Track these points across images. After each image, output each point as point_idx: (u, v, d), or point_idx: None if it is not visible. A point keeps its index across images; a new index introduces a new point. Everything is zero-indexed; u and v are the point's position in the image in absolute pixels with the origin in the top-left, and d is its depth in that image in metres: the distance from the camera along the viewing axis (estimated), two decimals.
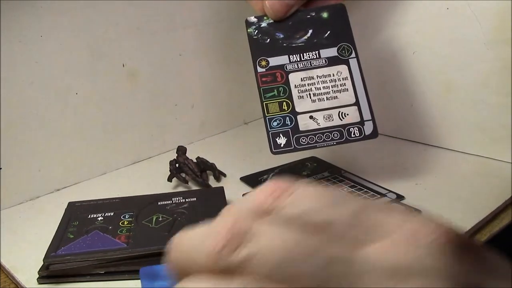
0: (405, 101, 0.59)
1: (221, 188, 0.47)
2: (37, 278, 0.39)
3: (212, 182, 0.54)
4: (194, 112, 0.64)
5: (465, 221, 0.43)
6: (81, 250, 0.39)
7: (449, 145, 0.57)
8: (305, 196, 0.21)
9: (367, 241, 0.19)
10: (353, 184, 0.51)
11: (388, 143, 0.61)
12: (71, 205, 0.46)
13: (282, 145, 0.43)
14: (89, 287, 0.38)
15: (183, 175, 0.53)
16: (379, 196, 0.48)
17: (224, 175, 0.55)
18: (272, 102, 0.43)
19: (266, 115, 0.43)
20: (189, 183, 0.52)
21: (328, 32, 0.45)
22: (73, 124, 0.53)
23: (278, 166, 0.55)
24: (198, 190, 0.51)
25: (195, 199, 0.45)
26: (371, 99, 0.44)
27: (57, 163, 0.53)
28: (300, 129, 0.43)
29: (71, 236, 0.41)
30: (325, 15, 0.45)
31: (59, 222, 0.43)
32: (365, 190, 0.49)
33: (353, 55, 0.44)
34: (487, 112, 0.53)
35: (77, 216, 0.44)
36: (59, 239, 0.40)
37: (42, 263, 0.38)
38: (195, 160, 0.55)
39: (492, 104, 0.52)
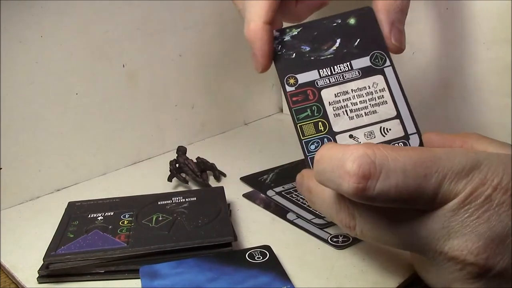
0: None
1: (221, 188, 0.47)
2: (37, 278, 0.39)
3: (212, 182, 0.54)
4: (194, 112, 0.64)
5: None
6: (81, 249, 0.39)
7: None
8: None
9: None
10: None
11: None
12: (71, 205, 0.46)
13: None
14: (89, 286, 0.38)
15: (183, 175, 0.53)
16: None
17: (224, 175, 0.55)
18: (306, 124, 0.40)
19: (302, 138, 0.39)
20: (189, 183, 0.52)
21: (358, 40, 0.41)
22: (73, 124, 0.53)
23: (278, 166, 0.56)
24: (198, 190, 0.51)
25: (195, 198, 0.45)
26: None
27: (57, 163, 0.53)
28: None
29: (71, 236, 0.41)
30: (352, 21, 0.41)
31: (59, 221, 0.43)
32: None
33: (388, 63, 0.41)
34: (487, 112, 0.53)
35: (77, 216, 0.44)
36: (59, 238, 0.40)
37: (42, 262, 0.38)
38: (195, 160, 0.55)
39: (492, 104, 0.52)
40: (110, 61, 0.55)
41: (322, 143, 0.39)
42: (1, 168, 0.49)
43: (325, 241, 0.42)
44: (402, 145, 0.40)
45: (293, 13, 0.46)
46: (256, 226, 0.45)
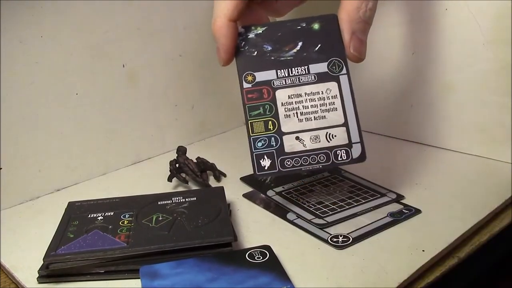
0: (405, 101, 0.59)
1: (221, 188, 0.47)
2: (37, 278, 0.39)
3: (212, 182, 0.54)
4: (194, 112, 0.64)
5: (465, 221, 0.43)
6: (81, 249, 0.39)
7: (449, 145, 0.57)
8: None
9: None
10: (353, 184, 0.51)
11: (388, 143, 0.61)
12: (71, 205, 0.46)
13: (266, 167, 0.41)
14: (89, 286, 0.38)
15: (183, 175, 0.53)
16: (379, 196, 0.48)
17: (224, 175, 0.55)
18: (257, 121, 0.41)
19: (251, 135, 0.41)
20: (189, 183, 0.52)
21: (319, 45, 0.42)
22: (73, 124, 0.53)
23: None
24: (198, 190, 0.51)
25: (195, 198, 0.45)
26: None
27: (57, 163, 0.53)
28: (286, 150, 0.41)
29: (71, 236, 0.41)
30: (316, 26, 0.42)
31: (59, 221, 0.43)
32: (365, 190, 0.49)
33: (344, 71, 0.42)
34: (487, 112, 0.53)
35: (77, 216, 0.44)
36: (59, 238, 0.40)
37: (42, 262, 0.38)
38: (195, 160, 0.55)
39: (492, 104, 0.52)
40: (110, 61, 0.55)
41: (270, 141, 0.41)
42: (1, 168, 0.49)
43: (325, 241, 0.42)
44: (344, 152, 0.41)
45: (274, 9, 0.46)
46: (256, 226, 0.45)
